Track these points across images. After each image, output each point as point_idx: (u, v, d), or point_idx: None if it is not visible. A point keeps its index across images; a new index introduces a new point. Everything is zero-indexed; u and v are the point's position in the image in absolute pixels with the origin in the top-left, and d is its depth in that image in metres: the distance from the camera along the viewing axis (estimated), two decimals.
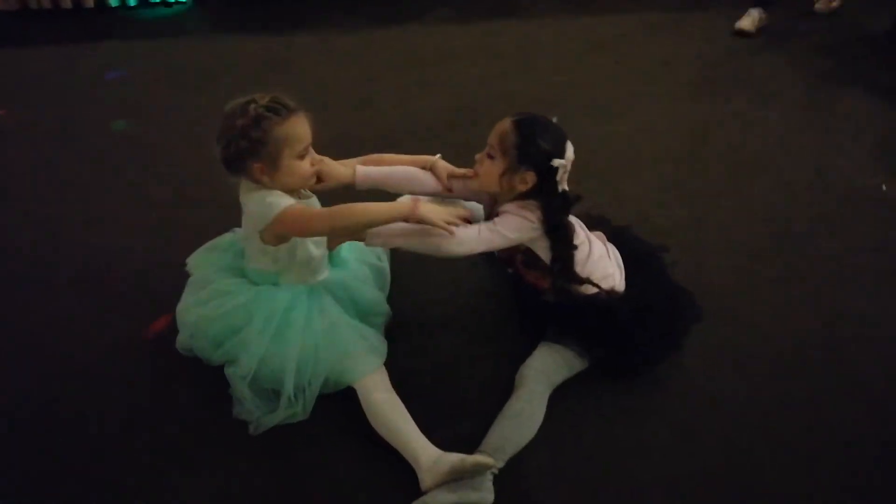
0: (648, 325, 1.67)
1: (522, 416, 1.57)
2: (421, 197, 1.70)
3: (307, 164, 1.60)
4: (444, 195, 1.79)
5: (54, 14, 3.44)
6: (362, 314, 1.76)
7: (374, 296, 1.81)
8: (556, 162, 1.57)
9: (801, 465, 1.57)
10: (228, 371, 1.65)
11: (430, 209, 1.58)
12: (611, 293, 1.69)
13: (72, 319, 1.91)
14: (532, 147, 1.58)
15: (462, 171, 1.76)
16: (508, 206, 1.66)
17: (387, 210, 1.58)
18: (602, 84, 2.90)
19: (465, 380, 1.75)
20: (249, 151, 1.51)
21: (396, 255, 1.96)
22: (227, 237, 1.86)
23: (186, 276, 1.80)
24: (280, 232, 1.60)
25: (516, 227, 1.63)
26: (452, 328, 1.89)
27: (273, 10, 3.52)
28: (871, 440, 1.62)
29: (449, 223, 1.58)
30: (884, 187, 2.38)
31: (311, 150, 1.61)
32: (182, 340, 1.73)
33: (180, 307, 1.74)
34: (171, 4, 3.51)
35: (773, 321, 1.90)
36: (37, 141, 2.60)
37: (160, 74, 3.01)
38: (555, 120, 1.66)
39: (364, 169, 1.75)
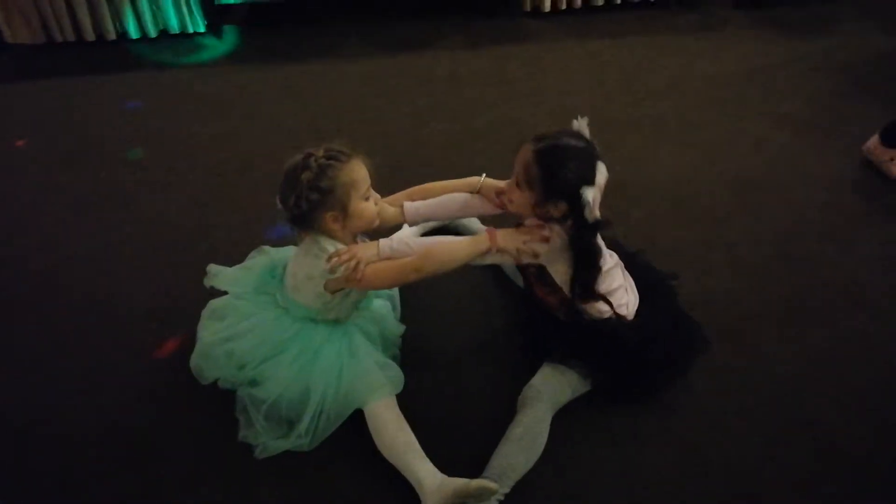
0: (655, 352, 1.66)
1: (526, 440, 1.57)
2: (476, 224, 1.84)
3: (372, 205, 1.63)
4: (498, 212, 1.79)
5: (77, 46, 3.54)
6: (386, 346, 1.79)
7: (397, 327, 1.84)
8: (586, 191, 1.50)
9: (807, 489, 1.55)
10: (245, 392, 1.66)
11: (507, 240, 1.60)
12: (621, 318, 1.69)
13: (82, 342, 1.95)
14: (557, 180, 1.52)
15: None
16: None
17: (468, 250, 1.60)
18: (609, 106, 2.92)
19: (468, 400, 1.76)
20: (320, 202, 1.55)
21: None
22: (259, 261, 1.84)
23: (199, 301, 1.82)
24: (356, 287, 1.63)
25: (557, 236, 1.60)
26: (455, 347, 1.90)
27: (288, 38, 3.60)
28: (879, 464, 1.60)
29: (527, 243, 1.59)
30: None
31: (372, 191, 1.64)
32: (197, 360, 1.73)
33: (205, 333, 1.73)
34: (190, 35, 3.60)
35: (779, 343, 1.88)
36: (53, 169, 2.67)
37: (177, 103, 3.08)
38: (583, 127, 1.58)
39: (412, 205, 1.77)
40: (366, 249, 1.61)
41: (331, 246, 1.61)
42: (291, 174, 1.56)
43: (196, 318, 1.80)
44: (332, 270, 1.58)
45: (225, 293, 1.80)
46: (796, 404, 1.73)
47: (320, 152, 1.56)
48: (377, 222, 1.69)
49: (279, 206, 1.61)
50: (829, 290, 2.04)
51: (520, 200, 1.61)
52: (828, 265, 2.13)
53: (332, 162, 1.54)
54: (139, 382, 1.82)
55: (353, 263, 1.57)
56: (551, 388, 1.65)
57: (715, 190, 2.44)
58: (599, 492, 1.56)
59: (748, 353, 1.85)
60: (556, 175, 1.52)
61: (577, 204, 1.51)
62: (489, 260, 1.64)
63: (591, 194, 1.50)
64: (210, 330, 1.73)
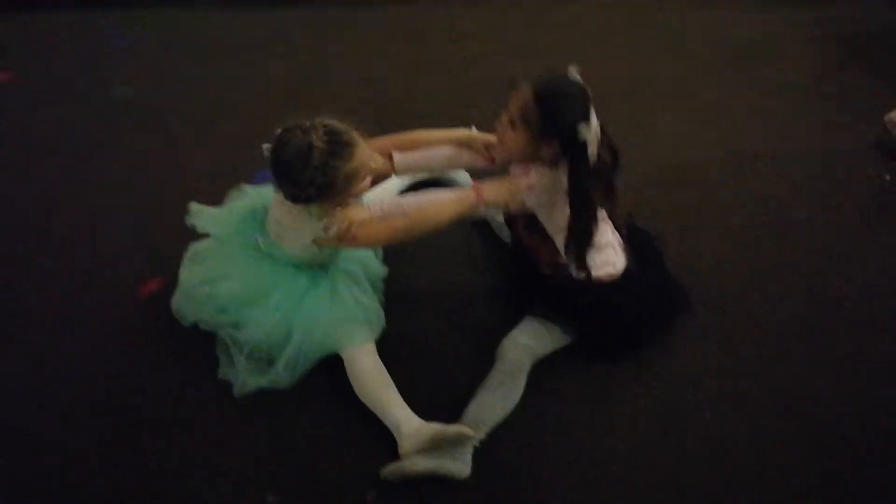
0: (639, 311, 1.67)
1: (503, 389, 1.58)
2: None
3: (367, 182, 1.60)
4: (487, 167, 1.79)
5: None
6: (372, 284, 1.79)
7: (380, 269, 1.85)
8: (582, 131, 1.49)
9: (779, 448, 1.58)
10: (227, 334, 1.66)
11: (493, 195, 1.60)
12: (608, 276, 1.68)
13: (62, 281, 1.93)
14: (555, 119, 1.52)
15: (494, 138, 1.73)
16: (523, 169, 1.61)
17: (456, 209, 1.60)
18: (605, 66, 2.88)
19: (448, 346, 1.77)
20: (318, 196, 1.52)
21: None
22: (240, 203, 1.81)
23: (182, 242, 1.80)
24: (347, 246, 1.63)
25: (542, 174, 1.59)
26: (437, 298, 1.90)
27: None
28: (852, 428, 1.62)
29: (513, 193, 1.59)
30: (887, 177, 2.35)
31: (368, 150, 1.58)
32: (179, 302, 1.73)
33: (186, 274, 1.73)
34: None
35: (762, 308, 1.89)
36: (39, 104, 2.62)
37: (165, 44, 3.01)
38: (574, 74, 1.56)
39: (402, 157, 1.75)
40: (358, 212, 1.62)
41: (319, 209, 1.58)
42: (289, 162, 1.47)
43: (178, 259, 1.78)
44: (326, 230, 1.56)
45: (206, 236, 1.78)
46: (776, 370, 1.74)
47: (321, 140, 1.46)
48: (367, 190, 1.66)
49: (266, 158, 1.53)
50: (816, 257, 2.05)
51: (513, 141, 1.59)
52: (818, 233, 2.13)
53: (335, 160, 1.47)
54: (121, 322, 1.81)
55: (345, 225, 1.57)
56: (531, 341, 1.66)
57: (709, 156, 2.43)
58: (573, 445, 1.58)
59: (730, 318, 1.86)
60: (554, 113, 1.52)
61: (573, 144, 1.50)
62: (478, 214, 1.64)
63: (587, 133, 1.49)
64: (191, 272, 1.72)
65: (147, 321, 1.80)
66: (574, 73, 1.57)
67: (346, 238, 1.58)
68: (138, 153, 2.38)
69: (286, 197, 1.54)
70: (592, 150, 1.52)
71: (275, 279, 1.68)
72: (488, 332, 1.75)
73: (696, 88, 2.77)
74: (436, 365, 1.73)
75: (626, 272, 1.69)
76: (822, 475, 1.54)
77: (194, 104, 2.62)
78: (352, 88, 2.71)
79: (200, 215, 1.77)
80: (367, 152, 1.55)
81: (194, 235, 1.80)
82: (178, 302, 1.72)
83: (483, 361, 1.66)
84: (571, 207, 1.56)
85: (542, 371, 1.67)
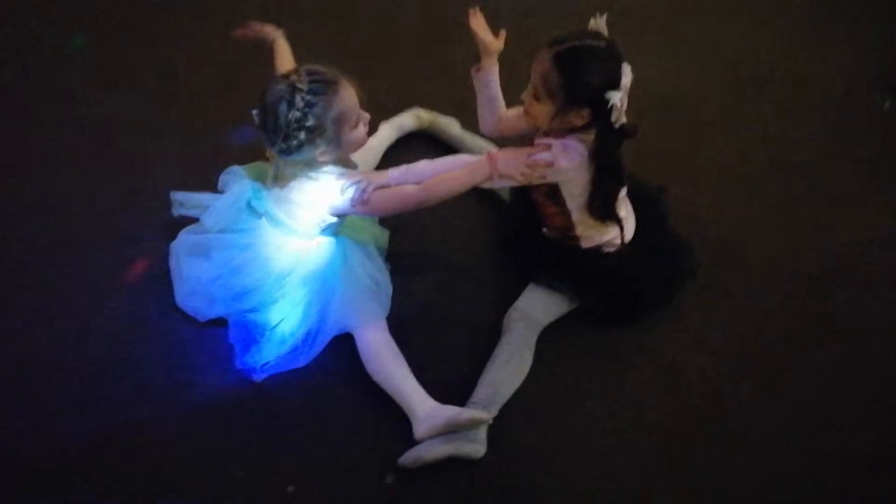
0: (647, 278, 1.65)
1: (512, 364, 1.58)
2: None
3: (362, 129, 1.56)
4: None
5: None
6: (381, 254, 1.76)
7: (382, 233, 1.82)
8: (611, 95, 1.39)
9: (784, 406, 1.63)
10: (247, 318, 1.64)
11: (510, 166, 1.52)
12: (618, 245, 1.65)
13: (30, 270, 1.81)
14: (580, 85, 1.41)
15: (513, 112, 1.66)
16: (552, 140, 1.51)
17: (469, 179, 1.55)
18: None
19: (453, 321, 1.75)
20: (309, 141, 1.46)
21: None
22: (236, 189, 1.69)
23: (158, 217, 1.72)
24: (359, 211, 1.58)
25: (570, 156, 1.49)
26: (440, 269, 1.86)
27: None
28: (857, 378, 1.67)
29: (529, 166, 1.51)
30: (886, 105, 2.30)
31: (362, 112, 1.55)
32: (190, 300, 1.67)
33: (192, 272, 1.66)
34: None
35: (766, 260, 1.88)
36: None
37: None
38: (601, 26, 1.45)
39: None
40: (375, 175, 1.58)
41: (321, 175, 1.54)
42: (273, 108, 1.44)
43: (157, 235, 1.70)
44: (343, 191, 1.53)
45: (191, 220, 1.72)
46: (780, 325, 1.76)
47: (303, 82, 1.44)
48: (366, 143, 1.63)
49: (256, 123, 1.49)
50: (818, 201, 2.02)
51: (539, 113, 1.50)
52: (821, 174, 2.09)
53: (318, 98, 1.44)
54: (95, 308, 1.73)
55: (363, 185, 1.53)
56: (537, 311, 1.65)
57: (704, 91, 2.34)
58: (583, 414, 1.60)
59: (733, 270, 1.85)
60: (578, 80, 1.41)
61: (603, 109, 1.41)
62: (493, 185, 1.56)
63: (618, 98, 1.40)
64: (198, 268, 1.66)
65: (140, 309, 1.74)
66: (600, 23, 1.46)
67: (361, 200, 1.54)
68: (101, 115, 2.18)
69: (279, 153, 1.49)
70: (622, 109, 1.42)
71: (293, 260, 1.65)
72: (494, 297, 1.74)
73: (690, 20, 2.62)
74: (440, 337, 1.72)
75: (633, 239, 1.66)
76: (827, 428, 1.59)
77: (158, 55, 2.40)
78: (327, 24, 2.52)
79: (187, 204, 1.70)
80: (355, 94, 1.51)
81: (179, 221, 1.72)
82: (189, 300, 1.67)
83: (490, 328, 1.65)
84: (597, 172, 1.50)
85: (549, 338, 1.67)
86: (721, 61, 2.44)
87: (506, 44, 1.62)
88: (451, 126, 2.08)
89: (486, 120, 1.72)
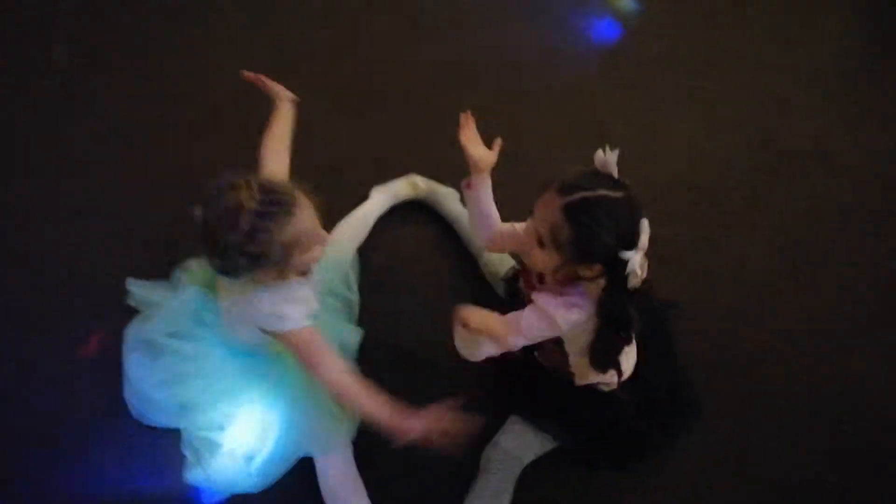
0: (647, 424, 1.51)
1: None
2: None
3: (317, 251, 1.33)
4: None
5: None
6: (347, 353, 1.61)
7: (354, 335, 1.65)
8: (626, 255, 1.21)
9: None
10: (196, 434, 1.50)
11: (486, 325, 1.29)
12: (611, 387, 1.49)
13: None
14: (592, 244, 1.22)
15: (508, 228, 1.48)
16: (547, 298, 1.31)
17: (379, 413, 1.31)
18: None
19: (427, 458, 1.51)
20: (250, 267, 1.25)
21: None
22: (188, 291, 1.54)
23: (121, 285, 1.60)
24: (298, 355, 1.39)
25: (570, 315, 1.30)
26: (418, 362, 1.72)
27: None
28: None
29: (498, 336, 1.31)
30: None
31: (321, 232, 1.32)
32: (134, 401, 1.56)
33: (137, 372, 1.53)
34: None
35: (789, 372, 1.75)
36: None
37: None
38: (610, 162, 1.25)
39: None
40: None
41: (265, 292, 1.34)
42: (213, 224, 1.22)
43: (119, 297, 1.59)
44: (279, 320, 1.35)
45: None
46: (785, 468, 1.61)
47: (253, 199, 1.21)
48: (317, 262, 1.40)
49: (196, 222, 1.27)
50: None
51: (543, 260, 1.30)
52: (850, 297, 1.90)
53: (266, 222, 1.21)
54: (64, 380, 1.64)
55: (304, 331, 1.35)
56: (519, 449, 1.51)
57: (722, 172, 2.12)
58: None
59: (739, 405, 1.68)
60: (591, 238, 1.21)
61: (616, 268, 1.22)
62: (486, 349, 1.36)
63: (636, 261, 1.20)
64: (143, 370, 1.52)
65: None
66: (610, 159, 1.26)
67: (287, 339, 1.35)
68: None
69: (215, 269, 1.29)
70: (638, 271, 1.21)
71: (243, 374, 1.50)
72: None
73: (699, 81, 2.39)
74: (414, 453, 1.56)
75: (637, 374, 1.49)
76: None
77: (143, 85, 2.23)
78: (332, 57, 2.30)
79: (138, 297, 1.58)
80: (313, 217, 1.29)
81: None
82: (134, 401, 1.55)
83: (469, 452, 1.46)
84: (602, 326, 1.30)
85: (534, 479, 1.52)
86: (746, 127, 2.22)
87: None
88: (448, 199, 1.92)
89: (479, 236, 1.55)
